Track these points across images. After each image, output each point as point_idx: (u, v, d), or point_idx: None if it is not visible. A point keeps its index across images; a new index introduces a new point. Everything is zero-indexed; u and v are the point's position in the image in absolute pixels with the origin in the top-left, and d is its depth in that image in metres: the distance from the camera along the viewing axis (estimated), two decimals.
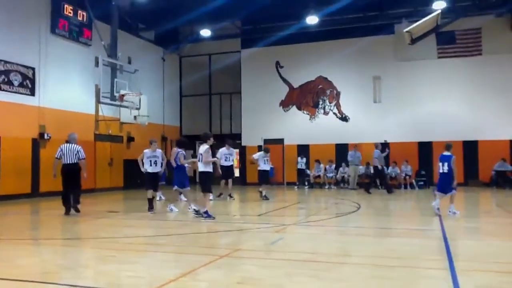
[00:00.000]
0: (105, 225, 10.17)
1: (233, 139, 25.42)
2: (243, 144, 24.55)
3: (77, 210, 11.66)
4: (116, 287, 4.70)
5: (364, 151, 22.03)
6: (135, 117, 19.98)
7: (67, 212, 11.51)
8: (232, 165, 16.01)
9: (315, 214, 12.06)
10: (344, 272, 5.63)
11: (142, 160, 11.92)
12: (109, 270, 5.69)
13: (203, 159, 10.27)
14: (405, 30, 15.75)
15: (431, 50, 21.71)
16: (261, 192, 15.36)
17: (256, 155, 16.02)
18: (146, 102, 20.52)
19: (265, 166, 15.64)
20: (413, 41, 16.28)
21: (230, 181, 15.55)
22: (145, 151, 12.02)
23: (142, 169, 11.93)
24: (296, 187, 22.14)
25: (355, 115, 23.25)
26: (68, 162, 11.72)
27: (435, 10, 17.00)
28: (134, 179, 19.26)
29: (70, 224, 10.79)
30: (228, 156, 15.64)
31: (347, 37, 22.78)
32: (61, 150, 11.79)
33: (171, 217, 10.80)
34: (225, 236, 8.43)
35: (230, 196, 15.50)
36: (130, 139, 21.58)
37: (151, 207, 11.62)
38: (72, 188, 11.67)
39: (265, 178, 15.74)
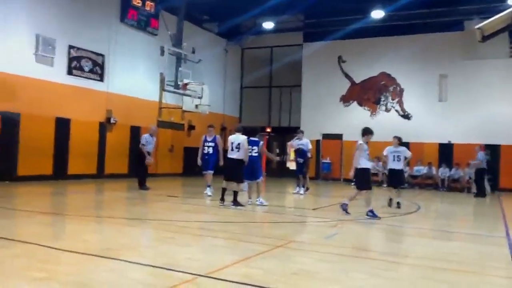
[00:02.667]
0: (164, 208, 10.50)
1: (292, 132, 25.43)
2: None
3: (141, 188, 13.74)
4: (174, 268, 4.85)
5: (425, 151, 21.39)
6: (196, 106, 20.35)
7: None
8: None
9: None
10: (401, 271, 5.52)
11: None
12: (167, 251, 5.89)
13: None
14: (476, 27, 15.03)
15: (503, 49, 20.64)
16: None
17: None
18: (207, 91, 20.84)
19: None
20: (484, 38, 15.47)
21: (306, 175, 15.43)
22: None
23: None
24: (352, 184, 21.79)
25: (418, 113, 22.55)
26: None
27: (511, 7, 16.12)
28: (193, 166, 19.69)
29: (131, 205, 11.25)
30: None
31: (414, 33, 22.12)
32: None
33: (229, 206, 10.95)
34: (280, 227, 8.48)
35: (307, 188, 15.27)
36: (191, 127, 22.08)
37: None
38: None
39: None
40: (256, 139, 11.43)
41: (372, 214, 9.81)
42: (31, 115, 15.11)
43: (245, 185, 11.17)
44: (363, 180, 10.26)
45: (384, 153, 12.69)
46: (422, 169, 21.01)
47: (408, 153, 12.69)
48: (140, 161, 13.85)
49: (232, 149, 10.66)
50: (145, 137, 13.80)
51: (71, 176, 16.40)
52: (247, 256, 5.61)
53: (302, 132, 15.77)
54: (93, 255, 5.34)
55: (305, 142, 15.19)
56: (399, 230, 9.05)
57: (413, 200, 15.05)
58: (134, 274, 4.68)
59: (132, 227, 7.85)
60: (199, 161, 12.82)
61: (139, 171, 14.23)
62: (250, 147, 10.84)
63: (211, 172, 12.77)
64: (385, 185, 18.49)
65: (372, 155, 22.05)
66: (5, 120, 14.40)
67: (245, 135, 10.88)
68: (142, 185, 13.86)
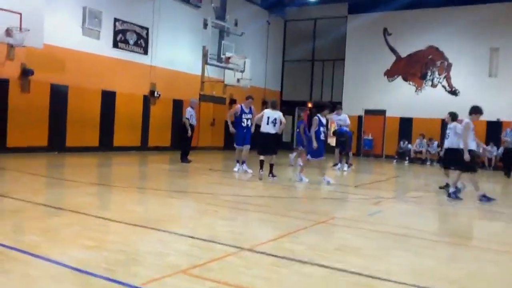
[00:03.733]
0: (207, 182, 10.66)
1: (334, 107, 25.10)
2: (343, 113, 24.10)
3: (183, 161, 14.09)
4: (218, 241, 4.94)
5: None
6: (238, 79, 20.37)
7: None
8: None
9: (414, 190, 11.65)
10: (445, 251, 5.42)
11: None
12: (211, 223, 5.99)
13: None
14: None
15: None
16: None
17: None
18: (249, 65, 20.79)
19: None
20: None
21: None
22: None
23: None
24: (395, 161, 21.47)
25: (466, 89, 21.71)
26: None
27: None
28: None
29: (174, 177, 11.48)
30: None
31: (464, 4, 21.14)
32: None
33: (268, 180, 11.01)
34: (322, 203, 8.46)
35: (350, 165, 15.25)
36: (232, 101, 22.12)
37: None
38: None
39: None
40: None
41: (486, 198, 9.22)
42: (78, 87, 15.51)
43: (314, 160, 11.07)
44: (471, 162, 9.42)
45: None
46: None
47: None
48: (183, 134, 14.10)
49: (267, 123, 10.96)
50: (189, 111, 14.00)
51: (116, 147, 16.85)
52: (290, 231, 5.64)
53: (341, 107, 15.76)
54: (138, 225, 5.50)
55: (343, 117, 15.26)
56: (442, 210, 8.86)
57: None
58: (179, 245, 4.79)
59: (176, 199, 8.02)
60: (233, 130, 12.55)
61: (182, 144, 14.48)
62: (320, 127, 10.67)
63: (249, 146, 12.39)
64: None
65: (417, 132, 21.69)
66: (53, 92, 14.86)
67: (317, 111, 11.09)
68: (184, 158, 14.10)
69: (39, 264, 3.91)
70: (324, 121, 10.82)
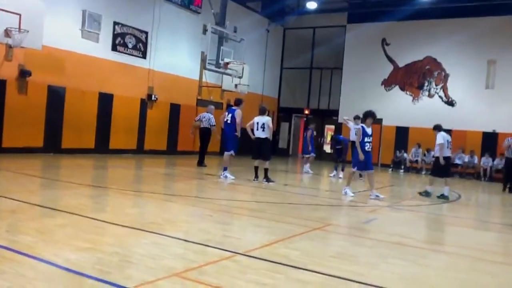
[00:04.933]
0: (203, 186, 10.66)
1: (330, 115, 25.20)
2: (339, 121, 24.19)
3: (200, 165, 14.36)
4: (213, 245, 4.93)
5: (468, 140, 20.80)
6: (236, 85, 20.42)
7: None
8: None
9: (410, 199, 11.67)
10: (440, 260, 5.42)
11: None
12: (206, 227, 5.97)
13: None
14: None
15: None
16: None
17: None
18: (247, 71, 20.85)
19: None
20: None
21: None
22: None
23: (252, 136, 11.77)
24: (390, 169, 21.51)
25: (463, 100, 21.86)
26: (202, 126, 14.40)
27: None
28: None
29: (171, 181, 11.47)
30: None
31: (463, 17, 21.30)
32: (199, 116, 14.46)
33: (264, 186, 11.02)
34: (317, 210, 8.46)
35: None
36: (229, 106, 22.10)
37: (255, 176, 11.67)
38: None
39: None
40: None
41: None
42: (76, 89, 15.49)
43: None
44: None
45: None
46: (463, 158, 20.46)
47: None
48: (206, 140, 14.49)
49: (257, 129, 11.40)
50: (211, 117, 14.56)
51: (112, 150, 16.82)
52: (285, 237, 5.64)
53: (359, 117, 15.60)
54: (134, 228, 5.49)
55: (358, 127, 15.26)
56: (438, 219, 8.88)
57: (453, 189, 14.69)
58: (174, 249, 4.78)
59: (172, 202, 8.00)
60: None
61: (203, 149, 14.79)
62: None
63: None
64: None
65: (413, 142, 21.74)
66: (51, 94, 14.83)
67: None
68: (201, 163, 14.53)
69: (34, 264, 3.89)
70: (369, 131, 10.19)
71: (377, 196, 10.18)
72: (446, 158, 11.08)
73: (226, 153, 12.05)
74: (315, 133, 16.45)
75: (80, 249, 4.39)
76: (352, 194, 10.21)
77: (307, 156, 16.01)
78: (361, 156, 9.96)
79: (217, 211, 7.37)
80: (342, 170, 15.14)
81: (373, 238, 6.15)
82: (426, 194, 11.46)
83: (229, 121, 11.91)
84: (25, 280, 3.48)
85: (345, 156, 15.34)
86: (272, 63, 26.04)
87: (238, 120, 11.83)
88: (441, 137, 11.09)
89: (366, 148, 10.12)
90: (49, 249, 4.34)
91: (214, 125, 14.48)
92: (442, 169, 11.08)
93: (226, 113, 12.11)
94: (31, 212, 6.14)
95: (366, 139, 10.09)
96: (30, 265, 3.86)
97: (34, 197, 7.39)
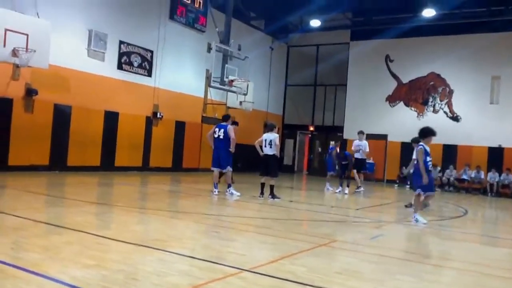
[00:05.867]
0: (208, 203, 10.63)
1: (335, 131, 25.19)
2: (344, 137, 24.19)
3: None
4: (219, 261, 4.90)
5: (474, 155, 20.72)
6: (240, 102, 20.52)
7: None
8: (363, 158, 15.71)
9: None
10: (449, 276, 5.37)
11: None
12: (212, 244, 5.95)
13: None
14: None
15: None
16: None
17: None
18: (252, 88, 20.96)
19: (357, 155, 15.44)
20: None
21: (361, 174, 15.58)
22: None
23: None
24: (396, 185, 21.41)
25: (468, 115, 21.83)
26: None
27: None
28: (235, 162, 19.87)
29: (175, 198, 11.47)
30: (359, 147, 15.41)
31: (466, 33, 21.40)
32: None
33: (270, 202, 10.99)
34: (323, 226, 8.41)
35: (359, 187, 15.31)
36: (234, 123, 22.16)
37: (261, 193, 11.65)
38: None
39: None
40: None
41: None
42: (82, 108, 15.61)
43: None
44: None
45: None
46: (470, 173, 20.36)
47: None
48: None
49: (265, 146, 11.43)
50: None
51: (118, 168, 16.87)
52: (291, 253, 5.60)
53: (363, 133, 15.78)
54: (140, 245, 5.47)
55: (363, 144, 15.41)
56: (445, 234, 8.79)
57: (459, 204, 14.61)
58: (180, 266, 4.75)
59: (177, 219, 7.99)
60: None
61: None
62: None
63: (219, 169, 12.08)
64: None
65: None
66: (57, 112, 14.95)
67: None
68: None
69: (39, 282, 3.88)
70: (428, 149, 9.20)
71: (418, 220, 9.16)
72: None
73: (226, 170, 11.77)
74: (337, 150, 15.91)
75: (85, 266, 4.38)
76: (425, 222, 9.10)
77: (332, 174, 15.93)
78: (426, 179, 8.98)
79: (223, 227, 7.35)
80: (348, 186, 15.11)
81: (379, 254, 6.10)
82: (411, 205, 11.41)
83: (221, 137, 11.71)
84: None
85: (349, 172, 15.39)
86: (276, 80, 26.17)
87: (233, 136, 11.77)
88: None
89: (429, 167, 9.25)
90: (54, 266, 4.33)
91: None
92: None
93: (217, 129, 11.84)
94: (36, 229, 6.14)
95: (428, 159, 9.13)
96: (35, 282, 3.85)
97: (39, 214, 7.39)
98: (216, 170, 11.93)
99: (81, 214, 7.59)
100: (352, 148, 15.76)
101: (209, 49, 18.69)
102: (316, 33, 24.95)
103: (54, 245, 5.26)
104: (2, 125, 13.52)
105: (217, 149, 11.90)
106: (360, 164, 15.64)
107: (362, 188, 15.35)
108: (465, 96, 21.99)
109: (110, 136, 16.69)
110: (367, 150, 15.63)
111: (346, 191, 14.83)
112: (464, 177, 20.35)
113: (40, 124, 14.41)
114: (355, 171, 15.46)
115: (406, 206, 11.84)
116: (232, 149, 11.82)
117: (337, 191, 15.12)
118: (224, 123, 12.00)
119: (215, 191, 11.67)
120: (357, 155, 15.42)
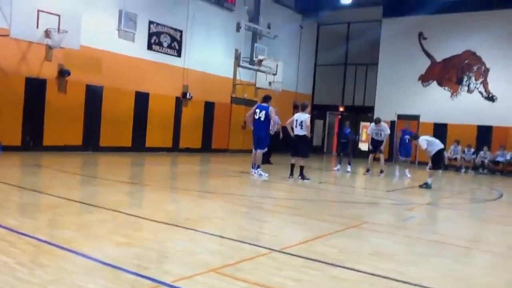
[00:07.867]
0: (238, 183, 10.67)
1: (366, 112, 24.82)
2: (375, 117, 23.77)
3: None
4: (250, 241, 4.90)
5: (510, 136, 20.11)
6: (270, 83, 20.39)
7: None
8: (381, 141, 14.77)
9: (449, 197, 11.36)
10: (483, 259, 5.24)
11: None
12: (242, 224, 5.97)
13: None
14: None
15: None
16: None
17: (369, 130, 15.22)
18: (281, 68, 20.77)
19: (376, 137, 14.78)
20: None
21: (382, 156, 14.96)
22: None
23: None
24: (428, 167, 20.97)
25: (504, 95, 21.08)
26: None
27: None
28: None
29: (206, 178, 11.54)
30: (378, 132, 14.73)
31: (503, 8, 20.55)
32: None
33: (300, 183, 10.94)
34: (354, 207, 8.33)
35: (381, 171, 14.74)
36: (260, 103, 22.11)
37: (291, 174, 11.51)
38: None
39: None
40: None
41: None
42: (113, 88, 15.79)
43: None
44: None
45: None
46: (505, 155, 19.78)
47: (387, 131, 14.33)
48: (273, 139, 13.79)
49: (296, 126, 11.21)
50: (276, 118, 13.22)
51: (148, 148, 17.07)
52: (322, 234, 5.56)
53: (380, 121, 15.11)
54: (171, 224, 5.52)
55: (383, 126, 14.67)
56: (479, 217, 8.59)
57: (494, 186, 14.24)
58: (210, 245, 4.78)
59: (207, 199, 8.04)
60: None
61: (270, 148, 14.16)
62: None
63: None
64: None
65: (452, 139, 21.16)
66: (89, 93, 15.16)
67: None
68: (268, 160, 14.46)
69: (73, 258, 3.95)
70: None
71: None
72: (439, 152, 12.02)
73: (259, 151, 11.69)
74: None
75: (118, 244, 4.45)
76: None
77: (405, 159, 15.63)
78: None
79: (253, 208, 7.36)
80: (349, 164, 15.03)
81: (411, 236, 6.00)
82: (427, 186, 11.79)
83: (262, 118, 11.48)
84: (66, 273, 3.54)
85: (350, 150, 15.31)
86: (306, 60, 25.85)
87: (274, 117, 11.68)
88: (423, 143, 12.09)
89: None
90: (88, 244, 4.41)
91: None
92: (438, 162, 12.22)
93: (258, 111, 11.54)
94: (71, 207, 6.27)
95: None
96: (70, 259, 3.93)
97: (73, 193, 7.55)
98: (258, 152, 11.69)
99: (113, 193, 7.72)
100: (368, 131, 15.19)
101: (238, 28, 18.56)
102: (347, 10, 24.44)
103: (88, 223, 5.36)
104: (36, 106, 13.81)
105: (257, 130, 11.68)
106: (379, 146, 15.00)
107: (338, 167, 15.17)
108: (502, 75, 21.22)
109: (141, 116, 16.86)
110: (388, 132, 14.93)
111: (349, 169, 14.76)
112: (500, 159, 19.79)
113: (73, 104, 14.66)
114: (382, 154, 14.99)
115: (420, 187, 11.88)
116: (271, 131, 11.77)
117: (335, 168, 15.26)
118: (265, 104, 11.63)
119: (257, 172, 11.52)
120: (377, 138, 14.78)
